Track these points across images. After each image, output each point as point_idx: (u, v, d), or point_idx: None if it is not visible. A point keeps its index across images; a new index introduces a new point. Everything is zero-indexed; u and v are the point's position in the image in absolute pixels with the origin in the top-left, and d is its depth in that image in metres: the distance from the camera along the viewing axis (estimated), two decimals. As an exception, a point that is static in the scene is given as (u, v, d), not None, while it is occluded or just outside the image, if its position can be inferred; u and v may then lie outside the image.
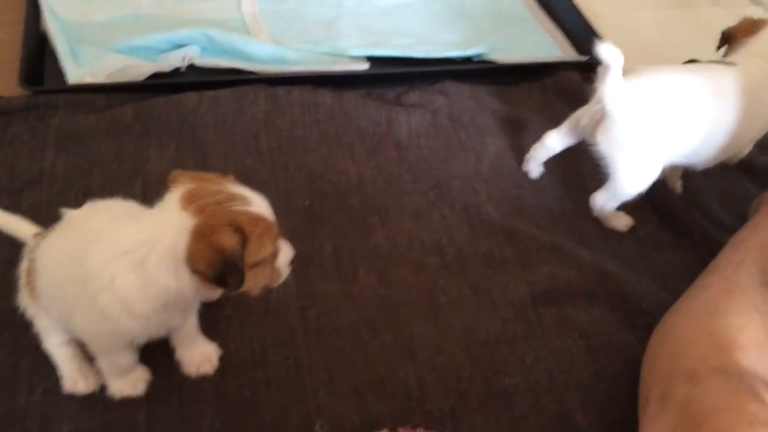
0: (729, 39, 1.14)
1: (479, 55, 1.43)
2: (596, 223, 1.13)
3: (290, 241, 0.78)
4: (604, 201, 1.09)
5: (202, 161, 1.11)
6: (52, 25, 1.29)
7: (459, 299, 1.00)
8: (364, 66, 1.36)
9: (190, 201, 0.68)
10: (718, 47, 1.16)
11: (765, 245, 0.94)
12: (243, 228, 0.67)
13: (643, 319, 0.98)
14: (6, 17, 1.36)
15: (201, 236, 0.66)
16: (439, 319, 0.97)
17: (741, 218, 1.09)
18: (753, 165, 1.21)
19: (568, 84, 1.36)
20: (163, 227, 0.67)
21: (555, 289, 1.02)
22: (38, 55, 1.27)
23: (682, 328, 0.85)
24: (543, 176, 1.19)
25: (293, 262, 0.78)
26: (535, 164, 1.18)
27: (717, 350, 0.79)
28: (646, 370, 0.86)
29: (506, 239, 1.08)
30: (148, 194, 0.70)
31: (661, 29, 1.59)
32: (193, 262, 0.66)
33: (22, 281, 0.81)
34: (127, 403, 0.82)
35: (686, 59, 1.45)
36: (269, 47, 1.35)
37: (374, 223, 1.08)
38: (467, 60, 1.42)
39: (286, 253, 0.77)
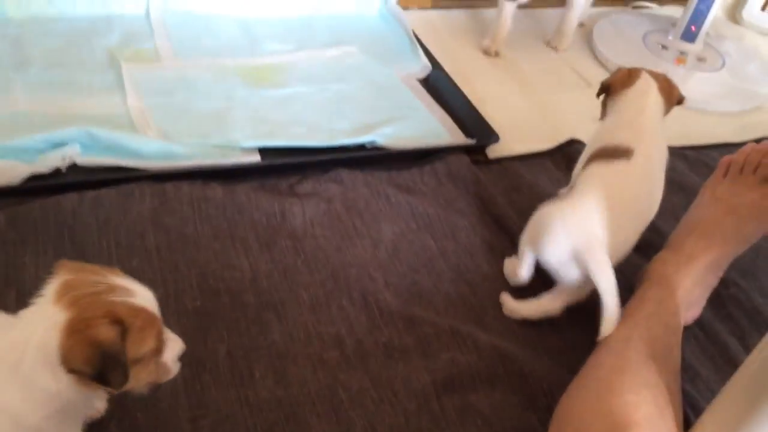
0: (608, 90, 1.22)
1: (372, 142, 1.45)
2: (493, 304, 1.14)
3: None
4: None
5: (82, 266, 1.05)
6: None
7: (360, 394, 0.97)
8: (256, 158, 1.35)
9: (64, 293, 0.63)
10: (598, 95, 1.24)
11: (650, 318, 0.98)
12: (122, 319, 0.62)
13: (544, 401, 0.98)
14: None
15: (74, 331, 0.61)
16: (339, 418, 0.93)
17: (629, 289, 1.13)
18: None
19: (457, 167, 1.40)
20: (34, 324, 0.62)
21: (456, 375, 1.01)
22: None
23: (580, 410, 0.86)
24: (437, 260, 1.20)
25: (183, 357, 0.74)
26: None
27: (614, 430, 0.80)
28: (549, 457, 0.86)
29: (405, 327, 1.07)
30: (24, 306, 0.66)
31: (540, 111, 1.69)
32: (67, 360, 0.61)
33: None
34: None
35: (567, 138, 1.54)
36: (156, 142, 1.31)
37: (270, 319, 1.05)
38: (360, 147, 1.44)
39: (174, 346, 0.72)
